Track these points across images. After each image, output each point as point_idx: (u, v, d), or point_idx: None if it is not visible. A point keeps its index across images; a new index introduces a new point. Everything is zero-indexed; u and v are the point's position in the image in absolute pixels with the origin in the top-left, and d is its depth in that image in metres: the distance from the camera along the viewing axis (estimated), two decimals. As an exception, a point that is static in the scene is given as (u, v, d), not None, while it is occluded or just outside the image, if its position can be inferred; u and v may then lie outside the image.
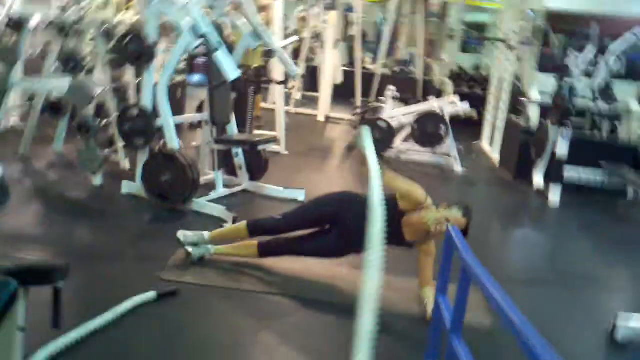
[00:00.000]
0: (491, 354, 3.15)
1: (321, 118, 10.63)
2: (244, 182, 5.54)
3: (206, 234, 3.90)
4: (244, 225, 3.87)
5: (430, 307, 3.51)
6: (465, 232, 3.52)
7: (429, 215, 3.54)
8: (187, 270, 3.70)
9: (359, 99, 10.95)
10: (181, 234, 3.87)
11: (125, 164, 5.75)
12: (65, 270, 2.00)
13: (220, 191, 5.21)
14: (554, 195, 6.88)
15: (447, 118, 7.76)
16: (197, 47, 4.83)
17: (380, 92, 12.19)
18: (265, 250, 3.83)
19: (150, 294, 3.21)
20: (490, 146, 9.54)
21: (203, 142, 5.46)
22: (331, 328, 3.33)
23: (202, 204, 4.81)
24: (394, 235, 3.66)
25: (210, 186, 5.24)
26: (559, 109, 6.85)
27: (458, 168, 7.76)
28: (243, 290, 3.57)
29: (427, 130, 7.72)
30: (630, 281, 4.89)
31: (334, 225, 3.77)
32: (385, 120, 7.81)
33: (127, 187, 4.98)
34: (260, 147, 5.22)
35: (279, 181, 5.76)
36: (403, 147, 8.08)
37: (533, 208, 6.89)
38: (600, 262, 5.19)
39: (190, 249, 3.80)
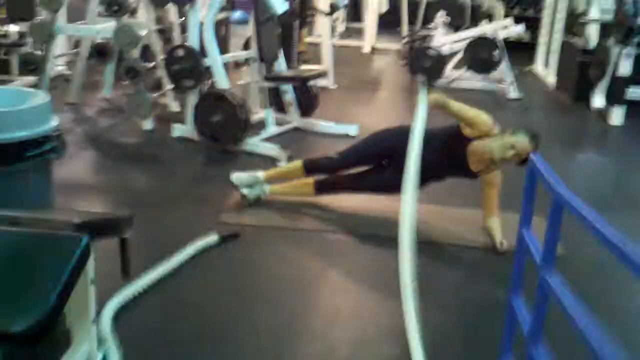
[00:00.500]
0: (588, 282, 3.01)
1: (367, 49, 10.36)
2: (294, 119, 5.43)
3: (261, 174, 3.83)
4: (300, 164, 3.78)
5: (498, 237, 3.42)
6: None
7: (495, 143, 3.38)
8: (244, 212, 3.66)
9: (405, 28, 10.59)
10: (235, 177, 3.81)
11: (175, 106, 5.70)
12: (131, 221, 1.96)
13: (272, 130, 5.12)
14: (617, 117, 6.58)
15: (500, 42, 7.42)
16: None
17: (427, 19, 11.86)
18: (321, 188, 3.75)
19: (212, 237, 3.17)
20: (546, 69, 9.16)
21: (252, 80, 5.34)
22: (393, 262, 3.25)
23: (255, 144, 4.74)
24: (458, 165, 3.54)
25: (261, 125, 5.15)
26: (622, 27, 6.44)
27: (514, 93, 7.47)
28: (302, 229, 3.51)
29: (480, 56, 7.39)
30: None
31: (391, 160, 3.65)
32: (434, 49, 7.52)
33: (178, 130, 4.93)
34: (311, 83, 5.06)
35: (329, 116, 5.63)
36: (454, 74, 7.80)
37: (595, 131, 6.59)
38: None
39: (245, 191, 3.74)
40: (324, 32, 7.75)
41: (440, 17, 8.07)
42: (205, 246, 3.11)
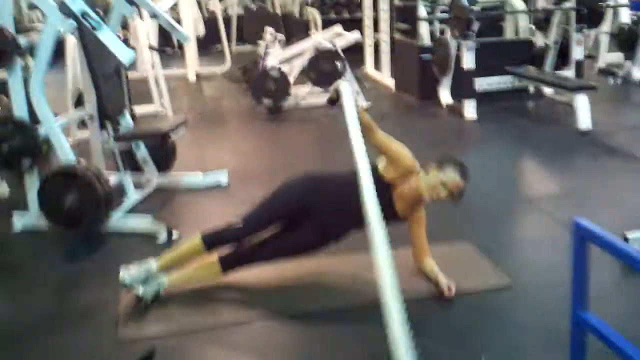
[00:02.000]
0: None
1: (192, 77, 9.64)
2: (154, 178, 4.67)
3: (153, 264, 3.11)
4: (198, 241, 3.12)
5: (443, 282, 3.07)
6: (461, 194, 3.03)
7: (423, 184, 2.99)
8: (147, 319, 2.92)
9: (227, 48, 10.03)
10: (123, 275, 3.05)
11: (3, 189, 4.60)
12: None
13: (133, 197, 4.33)
14: (470, 111, 6.60)
15: (340, 52, 7.14)
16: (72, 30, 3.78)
17: (240, 34, 11.42)
18: (229, 265, 3.13)
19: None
20: (378, 71, 9.10)
21: (95, 142, 4.48)
22: (346, 340, 2.74)
23: (122, 221, 3.95)
24: (385, 211, 3.10)
25: (117, 193, 4.32)
26: (461, 21, 6.45)
27: (363, 102, 7.24)
28: (222, 325, 2.87)
29: (323, 69, 7.06)
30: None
31: (304, 217, 3.13)
32: (275, 69, 7.07)
33: (20, 221, 3.96)
34: (174, 134, 4.33)
35: (189, 165, 4.97)
36: (301, 92, 7.40)
37: (454, 127, 6.53)
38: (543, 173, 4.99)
39: (140, 290, 3.00)
40: (155, 66, 6.97)
41: (269, 34, 7.62)
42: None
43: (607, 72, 7.63)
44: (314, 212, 3.11)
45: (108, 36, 3.62)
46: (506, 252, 3.63)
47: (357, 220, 2.86)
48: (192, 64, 9.69)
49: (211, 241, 3.12)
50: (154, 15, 4.54)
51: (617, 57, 8.47)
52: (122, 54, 3.61)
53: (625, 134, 6.06)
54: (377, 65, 9.20)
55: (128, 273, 3.05)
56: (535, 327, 2.79)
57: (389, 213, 3.06)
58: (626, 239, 3.32)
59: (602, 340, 1.58)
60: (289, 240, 3.16)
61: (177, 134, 4.37)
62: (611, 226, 3.60)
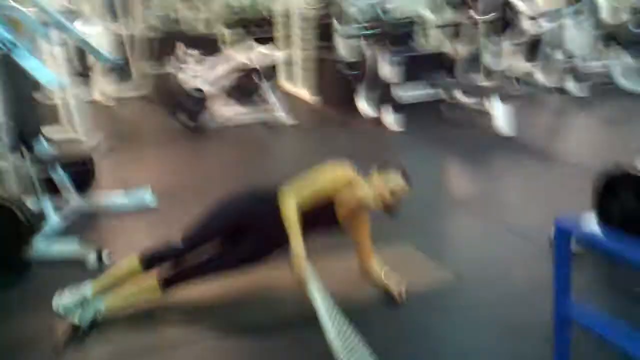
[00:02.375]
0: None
1: (106, 100, 9.29)
2: (73, 200, 4.43)
3: (88, 288, 2.93)
4: (135, 261, 2.96)
5: (394, 287, 3.06)
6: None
7: (368, 193, 2.96)
8: (87, 345, 2.73)
9: (139, 68, 9.76)
10: (58, 302, 2.84)
11: None
12: None
13: (54, 221, 4.09)
14: (392, 121, 6.69)
15: (261, 70, 7.09)
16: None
17: (151, 54, 11.13)
18: (169, 284, 2.98)
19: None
20: (295, 86, 9.10)
21: (9, 167, 4.18)
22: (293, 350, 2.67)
23: (45, 247, 3.70)
24: (327, 222, 3.07)
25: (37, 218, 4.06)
26: (382, 35, 6.57)
27: (287, 120, 7.20)
28: (172, 346, 2.73)
29: (246, 87, 7.00)
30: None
31: (244, 231, 3.03)
32: (197, 88, 6.93)
33: None
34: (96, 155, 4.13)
35: (110, 184, 4.79)
36: (226, 112, 7.27)
37: (378, 138, 6.58)
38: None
39: (76, 318, 2.81)
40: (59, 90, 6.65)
41: (181, 50, 7.46)
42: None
43: (518, 79, 7.97)
44: (254, 226, 3.02)
45: (26, 58, 3.41)
46: (444, 251, 3.69)
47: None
48: (104, 87, 9.36)
49: (149, 261, 2.97)
50: (76, 38, 4.32)
51: (528, 65, 8.86)
52: (45, 78, 3.42)
53: (541, 136, 6.32)
54: (293, 80, 9.21)
55: (62, 301, 2.86)
56: (487, 319, 2.83)
57: (331, 223, 3.04)
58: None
59: (590, 330, 1.61)
60: (229, 255, 3.04)
61: (99, 154, 4.17)
62: (537, 223, 3.76)
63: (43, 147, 4.23)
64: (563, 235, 1.52)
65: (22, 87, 3.94)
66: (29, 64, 3.44)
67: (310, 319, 2.58)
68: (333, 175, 3.00)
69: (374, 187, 2.94)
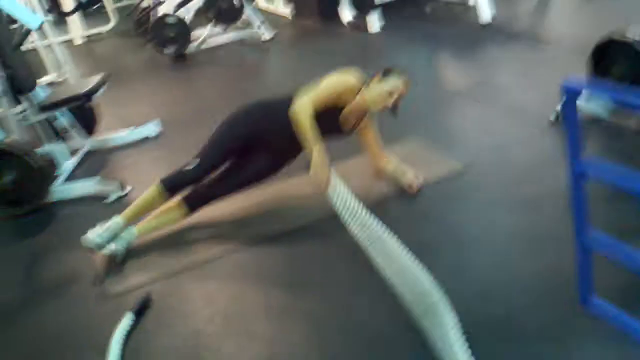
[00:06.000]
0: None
1: (78, 40, 9.17)
2: (83, 142, 4.51)
3: (118, 219, 3.06)
4: (158, 188, 3.09)
5: (409, 175, 3.23)
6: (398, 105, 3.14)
7: (370, 96, 3.07)
8: (126, 272, 2.90)
9: (108, 4, 9.57)
10: (91, 237, 2.98)
11: None
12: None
13: (68, 164, 4.18)
14: (373, 23, 6.69)
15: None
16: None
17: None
18: (193, 205, 3.14)
19: (126, 319, 2.45)
20: (271, 3, 8.99)
21: (11, 118, 4.22)
22: (316, 252, 2.84)
23: (65, 189, 3.81)
24: (333, 128, 3.17)
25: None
26: None
27: (267, 34, 7.18)
28: (202, 261, 2.89)
29: (222, 7, 6.92)
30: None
31: (255, 145, 3.15)
32: (172, 15, 6.86)
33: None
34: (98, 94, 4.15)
35: (113, 124, 4.86)
36: (202, 33, 7.23)
37: (360, 43, 6.59)
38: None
39: (113, 247, 2.96)
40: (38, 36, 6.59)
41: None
42: (125, 333, 2.39)
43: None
44: (264, 139, 3.13)
45: (9, 3, 3.40)
46: (451, 141, 3.81)
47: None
48: (76, 27, 9.21)
49: (172, 185, 3.09)
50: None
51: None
52: (30, 20, 3.41)
53: (524, 20, 6.35)
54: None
55: (95, 235, 2.99)
56: (500, 197, 2.99)
57: (340, 129, 3.16)
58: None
59: (602, 181, 1.75)
60: (245, 171, 3.18)
61: (99, 94, 4.21)
62: (536, 103, 3.90)
63: (41, 94, 4.26)
64: (571, 96, 1.64)
65: (9, 37, 3.92)
66: (15, 8, 3.42)
67: (335, 218, 2.71)
68: (342, 82, 3.08)
69: (375, 92, 3.06)
